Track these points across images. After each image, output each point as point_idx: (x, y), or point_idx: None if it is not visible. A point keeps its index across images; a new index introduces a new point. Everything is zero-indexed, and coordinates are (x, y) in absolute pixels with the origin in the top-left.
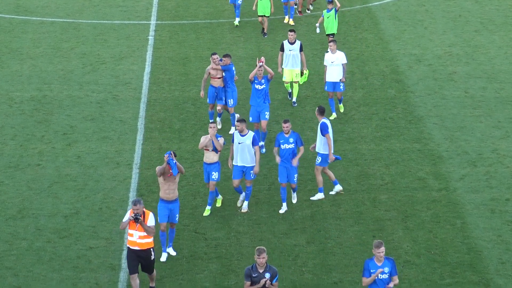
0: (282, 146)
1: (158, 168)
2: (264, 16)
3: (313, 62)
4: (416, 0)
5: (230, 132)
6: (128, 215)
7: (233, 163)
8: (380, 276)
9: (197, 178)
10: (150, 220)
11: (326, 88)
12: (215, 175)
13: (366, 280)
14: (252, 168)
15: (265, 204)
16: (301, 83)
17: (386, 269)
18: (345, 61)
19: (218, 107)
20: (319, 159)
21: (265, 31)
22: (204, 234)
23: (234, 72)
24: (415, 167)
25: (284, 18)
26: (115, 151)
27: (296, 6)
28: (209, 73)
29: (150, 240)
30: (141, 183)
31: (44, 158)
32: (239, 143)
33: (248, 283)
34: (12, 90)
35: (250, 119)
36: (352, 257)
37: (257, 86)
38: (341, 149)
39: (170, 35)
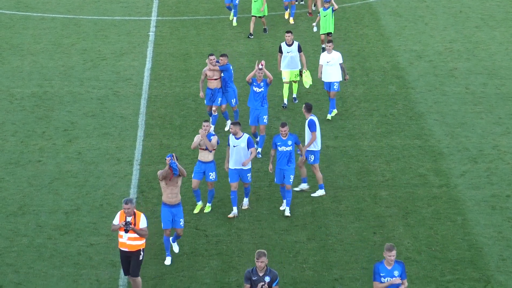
0: (280, 149)
1: (160, 172)
2: (257, 16)
3: (314, 59)
4: None
5: (225, 129)
6: (118, 217)
7: (229, 166)
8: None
9: None
10: (142, 222)
11: (324, 87)
12: (212, 175)
13: (378, 286)
14: (248, 171)
15: (265, 200)
16: (307, 87)
17: (396, 273)
18: (341, 61)
19: (213, 108)
20: (311, 157)
21: (264, 26)
22: (205, 231)
23: (232, 71)
24: (416, 163)
25: (285, 13)
26: (116, 147)
27: (297, 3)
28: (206, 74)
29: (141, 242)
30: (142, 179)
31: (44, 155)
32: (234, 146)
33: (248, 286)
34: (12, 86)
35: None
36: (353, 253)
37: (255, 89)
38: (342, 145)
39: (170, 31)
